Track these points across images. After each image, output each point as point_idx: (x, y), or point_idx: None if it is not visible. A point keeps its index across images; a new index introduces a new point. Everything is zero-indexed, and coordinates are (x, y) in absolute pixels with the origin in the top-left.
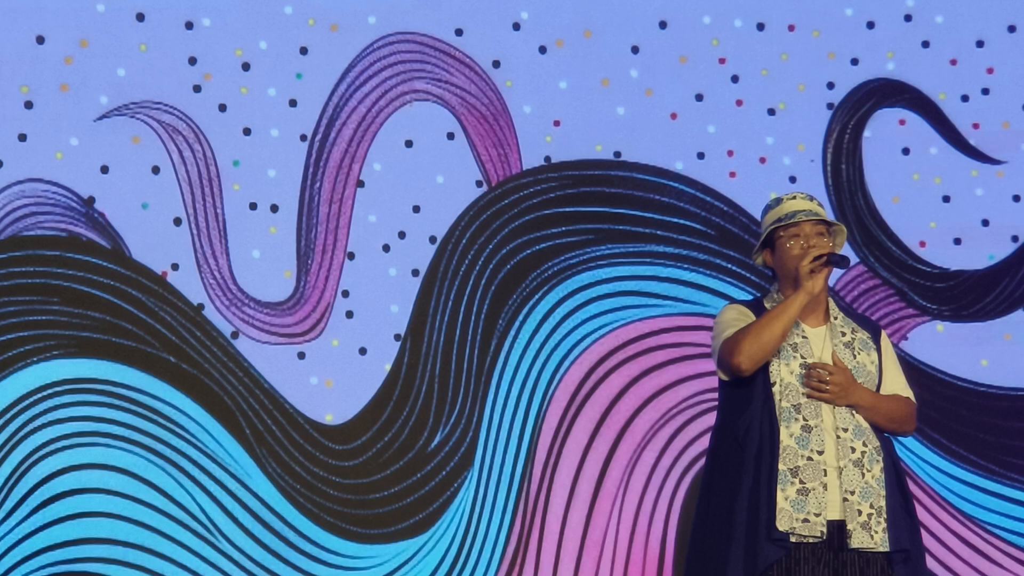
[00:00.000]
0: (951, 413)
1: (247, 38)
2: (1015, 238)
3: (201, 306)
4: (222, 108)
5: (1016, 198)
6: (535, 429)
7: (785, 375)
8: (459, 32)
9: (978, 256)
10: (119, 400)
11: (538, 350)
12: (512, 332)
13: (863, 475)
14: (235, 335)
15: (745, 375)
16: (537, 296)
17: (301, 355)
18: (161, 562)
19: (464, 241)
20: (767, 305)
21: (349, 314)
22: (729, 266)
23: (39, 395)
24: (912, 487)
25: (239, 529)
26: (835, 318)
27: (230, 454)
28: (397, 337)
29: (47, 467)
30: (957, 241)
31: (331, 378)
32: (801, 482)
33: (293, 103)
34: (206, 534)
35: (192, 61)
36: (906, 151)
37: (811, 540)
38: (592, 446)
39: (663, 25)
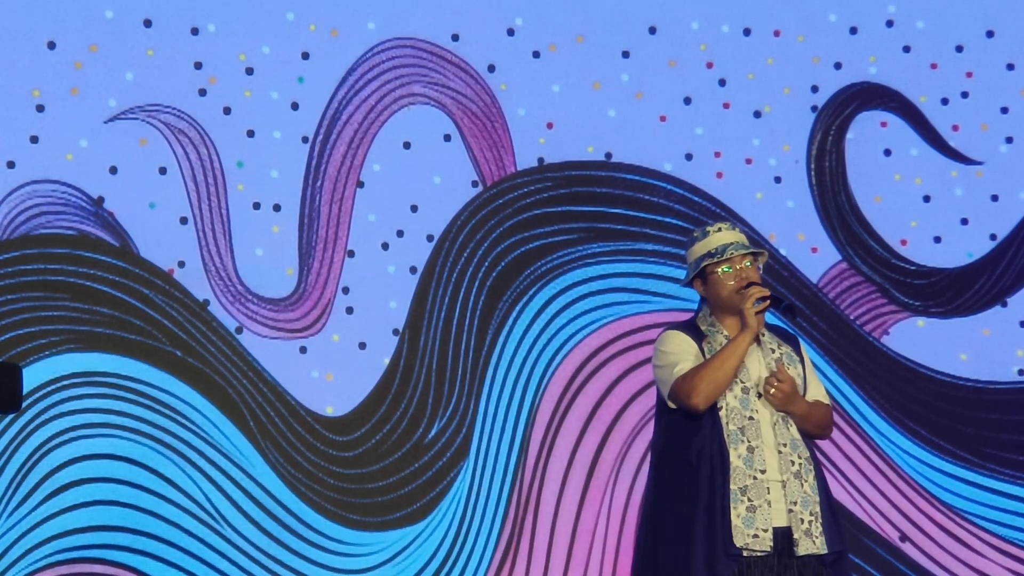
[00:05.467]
0: (932, 406)
1: (251, 43)
2: (993, 236)
3: (206, 302)
4: (226, 111)
5: (994, 198)
6: (528, 421)
7: (730, 400)
8: (455, 37)
9: (957, 254)
10: (127, 393)
11: (532, 345)
12: (507, 327)
13: (802, 485)
14: (239, 330)
15: (700, 413)
16: (531, 293)
17: (303, 349)
18: (167, 549)
19: (460, 239)
20: (702, 327)
21: (349, 310)
22: None
23: (49, 388)
24: (895, 478)
25: (243, 517)
26: (763, 335)
27: (234, 445)
28: (395, 332)
29: (57, 457)
30: (937, 239)
31: (332, 372)
32: (749, 500)
33: (295, 106)
34: (211, 522)
35: (197, 65)
36: (888, 152)
37: (760, 553)
38: (584, 438)
39: (653, 30)
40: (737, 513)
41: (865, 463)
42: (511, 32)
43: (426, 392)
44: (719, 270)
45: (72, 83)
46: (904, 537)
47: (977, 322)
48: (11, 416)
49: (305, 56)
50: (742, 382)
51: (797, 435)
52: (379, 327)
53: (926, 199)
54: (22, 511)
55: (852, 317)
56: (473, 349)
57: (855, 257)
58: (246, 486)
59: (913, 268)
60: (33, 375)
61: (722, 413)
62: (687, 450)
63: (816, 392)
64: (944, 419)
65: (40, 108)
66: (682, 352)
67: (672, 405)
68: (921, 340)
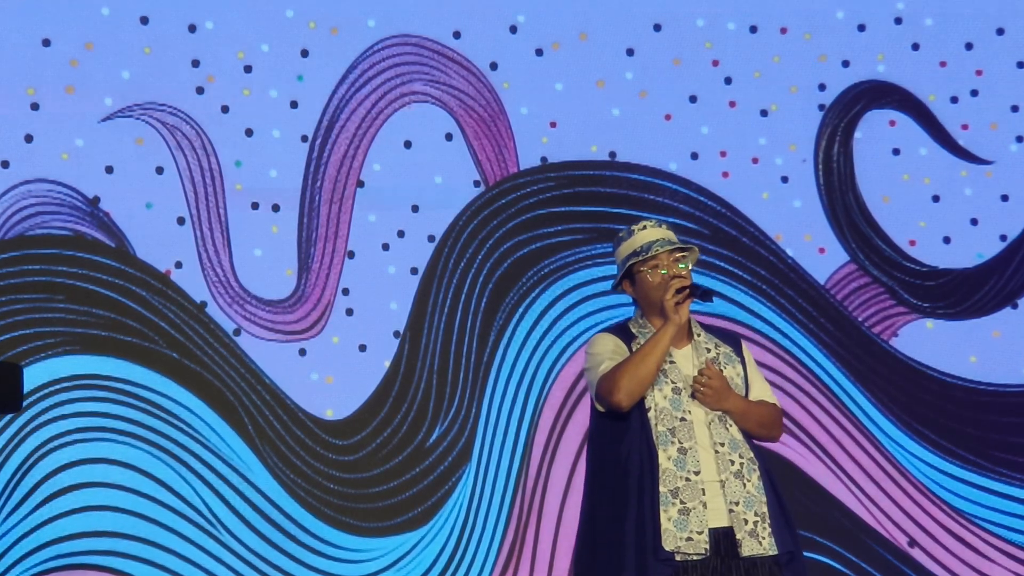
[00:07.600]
0: (940, 409)
1: (249, 41)
2: (1003, 237)
3: (204, 304)
4: (224, 109)
5: (1004, 198)
6: (532, 424)
7: (659, 400)
8: (457, 35)
9: (967, 254)
10: (123, 396)
11: (535, 347)
12: (509, 329)
13: (744, 485)
14: (237, 332)
15: (625, 411)
16: (533, 294)
17: (302, 352)
18: (164, 555)
19: (462, 240)
20: (633, 330)
21: (349, 311)
22: (722, 264)
23: (45, 391)
24: (904, 482)
25: (241, 522)
26: (698, 335)
27: (232, 449)
28: (396, 334)
29: (52, 462)
30: (946, 240)
31: (331, 374)
32: (682, 502)
33: (294, 104)
34: (209, 527)
35: (195, 63)
36: (896, 151)
37: (696, 557)
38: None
39: (657, 28)
40: (668, 516)
41: (873, 467)
42: (513, 30)
43: (427, 395)
44: (645, 268)
45: (68, 81)
46: (913, 542)
47: (987, 324)
48: (6, 419)
49: (304, 54)
50: (673, 382)
51: (738, 435)
52: (380, 329)
53: (935, 199)
54: (16, 516)
55: (860, 319)
56: (475, 351)
57: (863, 258)
58: (244, 491)
59: (922, 269)
60: (28, 378)
61: (651, 414)
62: (617, 453)
63: (760, 392)
64: (953, 422)
65: (35, 106)
66: (608, 352)
67: (600, 408)
68: (930, 342)
